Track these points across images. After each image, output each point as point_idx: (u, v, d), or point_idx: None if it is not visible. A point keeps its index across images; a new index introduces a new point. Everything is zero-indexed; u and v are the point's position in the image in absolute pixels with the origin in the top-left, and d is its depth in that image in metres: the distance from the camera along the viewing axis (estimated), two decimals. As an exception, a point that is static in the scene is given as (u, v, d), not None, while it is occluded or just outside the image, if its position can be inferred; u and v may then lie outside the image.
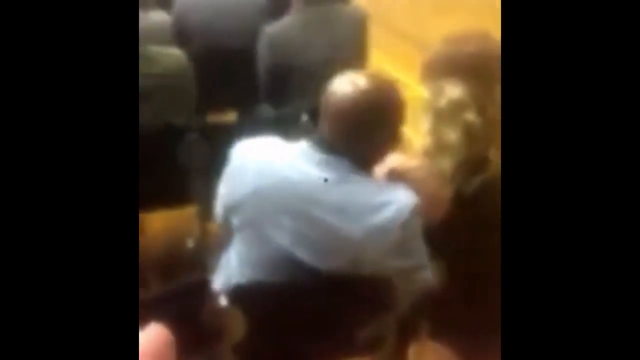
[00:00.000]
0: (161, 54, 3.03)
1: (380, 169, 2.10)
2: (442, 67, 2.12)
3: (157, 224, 3.47)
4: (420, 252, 2.01)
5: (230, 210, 2.08)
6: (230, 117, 3.80)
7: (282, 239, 1.99)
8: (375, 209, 1.95)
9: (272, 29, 3.42)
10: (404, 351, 2.17)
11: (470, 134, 2.06)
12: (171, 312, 1.98)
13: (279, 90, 3.45)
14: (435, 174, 2.07)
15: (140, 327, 1.73)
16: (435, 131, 2.10)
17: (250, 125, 3.18)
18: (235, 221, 2.07)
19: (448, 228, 2.04)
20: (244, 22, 3.76)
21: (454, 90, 2.08)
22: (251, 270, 2.04)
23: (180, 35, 3.60)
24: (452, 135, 2.06)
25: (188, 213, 3.25)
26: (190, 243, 3.38)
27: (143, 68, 2.78)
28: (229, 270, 2.09)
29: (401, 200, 1.96)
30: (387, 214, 1.94)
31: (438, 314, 2.12)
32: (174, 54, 3.09)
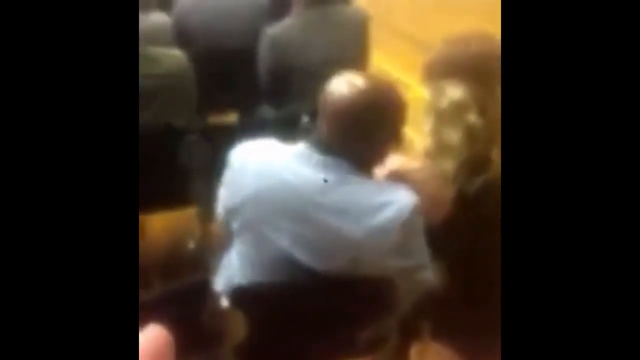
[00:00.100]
0: (162, 55, 3.03)
1: (381, 171, 2.10)
2: (443, 68, 2.12)
3: (158, 225, 3.47)
4: (421, 251, 2.01)
5: (231, 212, 2.07)
6: (231, 118, 3.80)
7: (282, 241, 1.98)
8: (375, 209, 1.94)
9: (274, 30, 3.42)
10: (405, 352, 2.16)
11: (471, 135, 2.06)
12: (172, 313, 1.98)
13: (280, 91, 3.45)
14: (437, 175, 2.07)
15: (140, 327, 1.73)
16: (437, 132, 2.10)
17: (251, 127, 3.18)
18: (235, 224, 2.06)
19: (450, 228, 2.04)
20: (245, 24, 3.76)
21: (455, 91, 2.08)
22: (252, 271, 2.04)
23: (181, 36, 3.60)
24: (454, 136, 2.06)
25: (189, 214, 3.25)
26: (190, 244, 3.38)
27: (144, 69, 2.77)
28: (230, 272, 2.09)
29: (401, 200, 1.95)
30: (387, 214, 1.94)
31: (440, 314, 2.12)
32: (174, 55, 3.09)
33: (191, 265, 3.10)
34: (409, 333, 2.14)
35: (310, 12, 3.42)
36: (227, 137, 2.51)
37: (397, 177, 2.06)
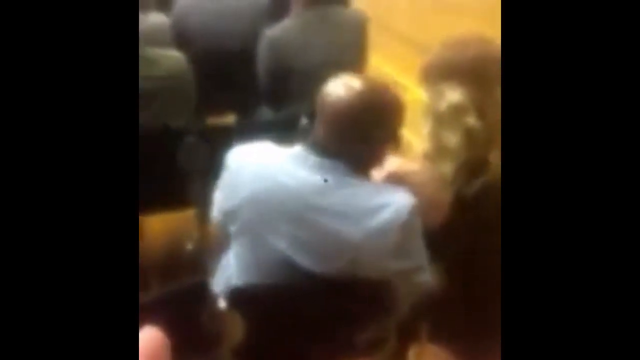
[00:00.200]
0: (161, 56, 3.03)
1: (380, 173, 2.10)
2: (442, 71, 2.12)
3: (157, 227, 3.47)
4: (420, 253, 2.00)
5: (228, 215, 2.07)
6: (229, 119, 3.80)
7: (280, 243, 1.98)
8: (374, 211, 1.94)
9: (273, 31, 3.41)
10: (403, 353, 2.16)
11: (470, 138, 2.06)
12: (170, 314, 1.98)
13: (279, 92, 3.45)
14: (435, 178, 2.07)
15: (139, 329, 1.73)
16: (436, 135, 2.10)
17: (250, 128, 3.18)
18: (232, 227, 2.06)
19: (448, 231, 2.04)
20: (244, 25, 3.76)
21: (453, 94, 2.08)
22: (250, 274, 2.04)
23: (180, 37, 3.60)
24: (453, 138, 2.06)
25: (187, 215, 3.25)
26: (189, 245, 3.38)
27: (143, 70, 2.76)
28: (228, 273, 2.08)
29: (399, 201, 1.95)
30: (385, 215, 1.94)
31: (438, 316, 2.12)
32: (173, 57, 3.09)
33: (189, 267, 3.10)
34: (407, 335, 2.14)
35: (309, 13, 3.42)
36: (226, 138, 2.51)
37: (396, 180, 2.06)
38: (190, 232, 3.33)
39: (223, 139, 2.46)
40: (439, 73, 2.13)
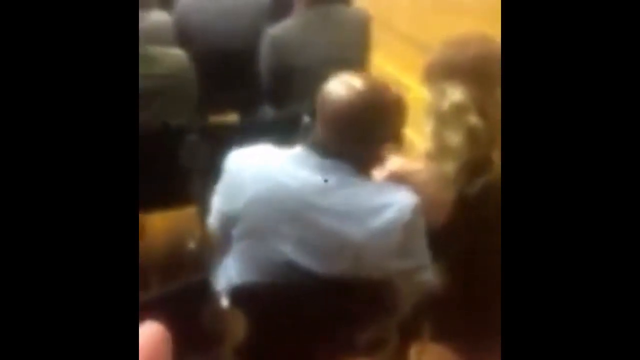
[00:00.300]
0: (163, 54, 3.03)
1: (382, 172, 2.10)
2: (444, 70, 2.12)
3: (158, 225, 3.47)
4: (422, 252, 2.00)
5: (229, 220, 2.05)
6: (231, 118, 3.80)
7: (284, 246, 1.97)
8: (376, 211, 1.94)
9: (275, 30, 3.41)
10: (405, 352, 2.16)
11: (472, 137, 2.06)
12: (172, 312, 1.98)
13: (281, 91, 3.46)
14: (438, 177, 2.07)
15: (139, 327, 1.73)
16: (438, 134, 2.10)
17: (252, 127, 3.18)
18: (234, 231, 2.04)
19: (451, 230, 2.04)
20: (246, 23, 3.76)
21: (455, 93, 2.08)
22: (252, 275, 2.03)
23: (182, 35, 3.60)
24: (455, 138, 2.06)
25: (189, 214, 3.25)
26: (190, 244, 3.38)
27: (145, 69, 2.77)
28: (230, 273, 2.08)
29: (402, 201, 1.95)
30: (388, 215, 1.93)
31: (440, 315, 2.12)
32: (175, 55, 3.09)
33: (191, 265, 3.10)
34: (408, 334, 2.14)
35: (312, 12, 3.42)
36: (228, 136, 2.51)
37: (398, 179, 2.05)
38: (192, 230, 3.33)
39: (225, 138, 2.46)
40: (440, 72, 2.13)
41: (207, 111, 3.53)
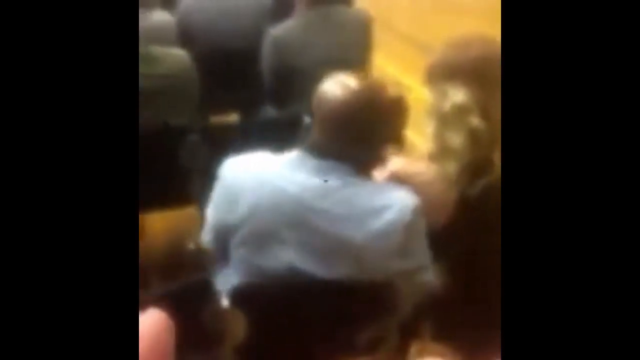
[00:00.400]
0: (165, 54, 3.03)
1: (383, 173, 2.09)
2: (446, 71, 2.12)
3: (158, 225, 3.46)
4: (423, 252, 2.00)
5: (227, 231, 2.03)
6: (232, 118, 3.80)
7: (285, 252, 1.96)
8: (377, 212, 1.93)
9: (276, 31, 3.42)
10: (405, 351, 2.16)
11: (474, 138, 2.06)
12: (172, 312, 1.97)
13: (283, 91, 3.46)
14: (439, 178, 2.07)
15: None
16: (440, 135, 2.10)
17: (253, 127, 3.18)
18: (233, 240, 2.02)
19: (452, 231, 2.04)
20: (247, 24, 3.77)
21: (457, 94, 2.08)
22: (253, 279, 2.02)
23: (184, 35, 3.60)
24: (457, 139, 2.06)
25: (189, 214, 3.24)
26: (191, 244, 3.38)
27: (146, 68, 2.78)
28: (230, 277, 2.07)
29: (402, 201, 1.94)
30: (388, 216, 1.93)
31: (441, 316, 2.12)
32: (177, 55, 3.09)
33: (191, 265, 3.10)
34: (408, 334, 2.14)
35: (313, 13, 3.42)
36: (229, 137, 2.51)
37: (399, 180, 2.05)
38: (192, 230, 3.33)
39: (226, 138, 2.46)
40: (442, 73, 2.13)
41: (208, 111, 3.54)
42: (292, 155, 2.00)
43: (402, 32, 5.56)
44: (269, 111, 3.56)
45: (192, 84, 3.11)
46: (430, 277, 2.01)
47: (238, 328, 2.01)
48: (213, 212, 2.09)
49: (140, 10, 2.83)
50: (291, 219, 1.95)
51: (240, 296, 2.01)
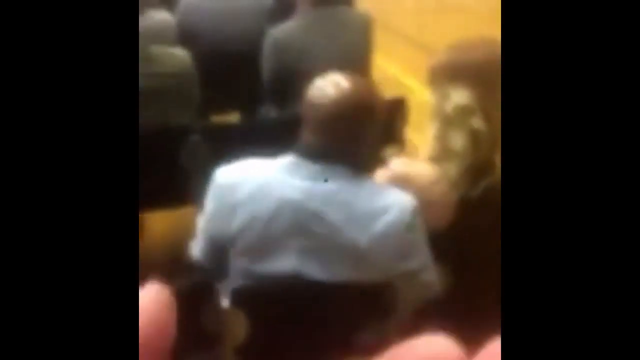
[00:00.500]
0: (165, 54, 3.03)
1: (385, 173, 2.09)
2: (448, 73, 2.13)
3: (158, 225, 3.47)
4: (424, 252, 1.99)
5: (227, 242, 2.01)
6: (233, 118, 3.80)
7: (289, 259, 1.96)
8: (377, 214, 1.92)
9: (277, 31, 3.42)
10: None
11: (476, 140, 2.06)
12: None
13: (283, 92, 3.45)
14: (440, 179, 2.07)
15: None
16: (442, 137, 2.10)
17: (254, 127, 3.18)
18: (234, 250, 2.01)
19: (454, 232, 2.04)
20: (248, 24, 3.77)
21: (460, 96, 2.08)
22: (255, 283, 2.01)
23: (184, 35, 3.60)
24: (458, 140, 2.07)
25: (189, 214, 3.24)
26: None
27: (147, 68, 2.78)
28: (231, 279, 2.06)
29: (401, 202, 1.94)
30: (388, 218, 1.92)
31: (441, 317, 2.11)
32: (178, 55, 3.09)
33: (191, 265, 3.10)
34: (408, 334, 2.13)
35: (314, 13, 3.42)
36: (229, 137, 2.51)
37: (401, 181, 2.05)
38: (192, 230, 3.32)
39: (226, 138, 2.46)
40: (445, 75, 2.13)
41: (208, 111, 3.54)
42: (286, 161, 1.98)
43: (403, 33, 5.57)
44: (269, 111, 3.56)
45: (193, 84, 3.11)
46: (433, 277, 2.01)
47: (239, 328, 2.00)
48: (207, 223, 2.07)
49: (140, 10, 2.84)
50: (292, 226, 1.94)
51: (241, 296, 2.01)
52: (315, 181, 1.93)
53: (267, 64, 3.46)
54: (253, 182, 1.98)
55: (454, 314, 2.06)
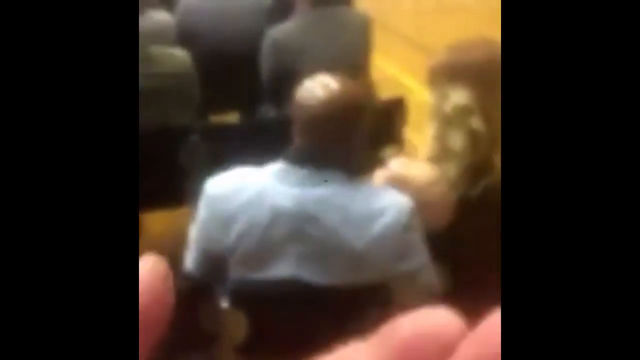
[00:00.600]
0: (165, 54, 3.03)
1: (384, 174, 2.09)
2: (448, 73, 2.13)
3: (158, 225, 3.47)
4: (422, 252, 1.99)
5: (223, 252, 1.99)
6: (232, 118, 3.80)
7: (287, 265, 1.95)
8: (374, 217, 1.92)
9: (276, 32, 3.42)
10: None
11: (475, 140, 2.06)
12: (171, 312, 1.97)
13: (282, 92, 3.45)
14: (440, 179, 2.07)
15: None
16: (441, 137, 2.10)
17: (253, 127, 3.19)
18: (232, 259, 1.99)
19: (454, 232, 2.04)
20: (247, 24, 3.77)
21: (459, 96, 2.08)
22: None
23: (184, 36, 3.61)
24: (458, 141, 2.07)
25: (189, 214, 3.24)
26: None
27: (147, 68, 2.78)
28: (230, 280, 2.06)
29: (398, 203, 1.94)
30: (385, 219, 1.92)
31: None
32: (178, 55, 3.09)
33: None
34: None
35: (313, 14, 3.42)
36: (229, 137, 2.51)
37: (400, 181, 2.05)
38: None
39: (226, 138, 2.46)
40: (444, 75, 2.13)
41: (208, 111, 3.54)
42: (276, 168, 1.96)
43: (402, 33, 5.57)
44: (268, 111, 3.56)
45: (192, 84, 3.11)
46: (431, 277, 2.01)
47: (237, 328, 2.00)
48: (200, 234, 2.05)
49: (140, 10, 2.84)
50: (290, 233, 1.93)
51: (240, 296, 2.01)
52: (304, 187, 1.92)
53: (266, 64, 3.46)
54: (247, 192, 1.96)
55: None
